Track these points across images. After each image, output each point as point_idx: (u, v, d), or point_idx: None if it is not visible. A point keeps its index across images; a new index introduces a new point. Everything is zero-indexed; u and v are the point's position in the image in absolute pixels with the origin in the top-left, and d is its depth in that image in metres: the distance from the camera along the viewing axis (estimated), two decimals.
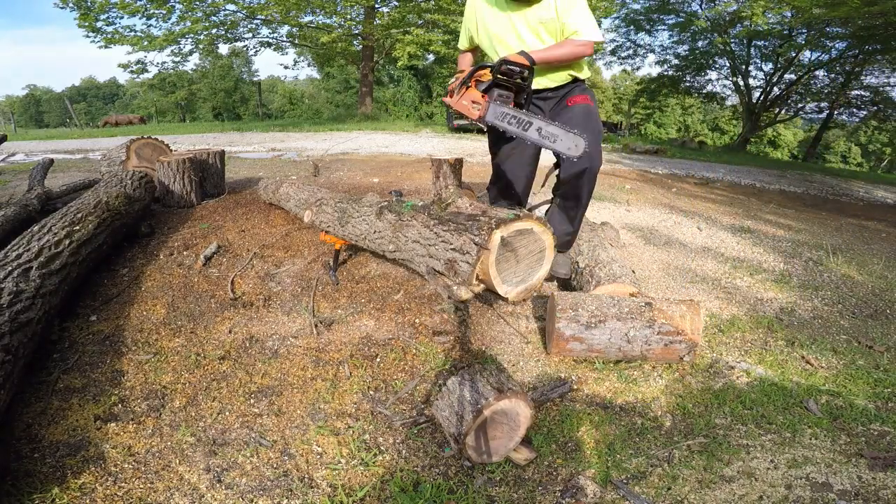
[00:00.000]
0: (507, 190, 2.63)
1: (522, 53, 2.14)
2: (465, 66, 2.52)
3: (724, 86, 20.30)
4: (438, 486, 1.45)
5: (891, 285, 3.14)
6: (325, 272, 2.75)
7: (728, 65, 18.23)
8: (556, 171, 2.36)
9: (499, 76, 2.11)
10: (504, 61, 2.10)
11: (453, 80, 2.35)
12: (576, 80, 2.39)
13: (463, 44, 2.57)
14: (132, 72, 16.47)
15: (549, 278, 2.70)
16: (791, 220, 5.10)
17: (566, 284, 2.68)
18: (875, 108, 17.03)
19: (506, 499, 1.43)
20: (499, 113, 2.14)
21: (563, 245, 2.56)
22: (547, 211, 2.57)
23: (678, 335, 1.97)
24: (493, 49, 2.39)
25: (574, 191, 2.35)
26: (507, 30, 2.31)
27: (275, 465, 1.51)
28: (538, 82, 2.34)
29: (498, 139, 2.55)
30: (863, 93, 16.82)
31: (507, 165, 2.57)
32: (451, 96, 2.30)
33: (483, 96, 2.14)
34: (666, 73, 20.31)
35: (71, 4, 13.81)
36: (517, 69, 2.09)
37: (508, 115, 2.12)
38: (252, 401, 1.78)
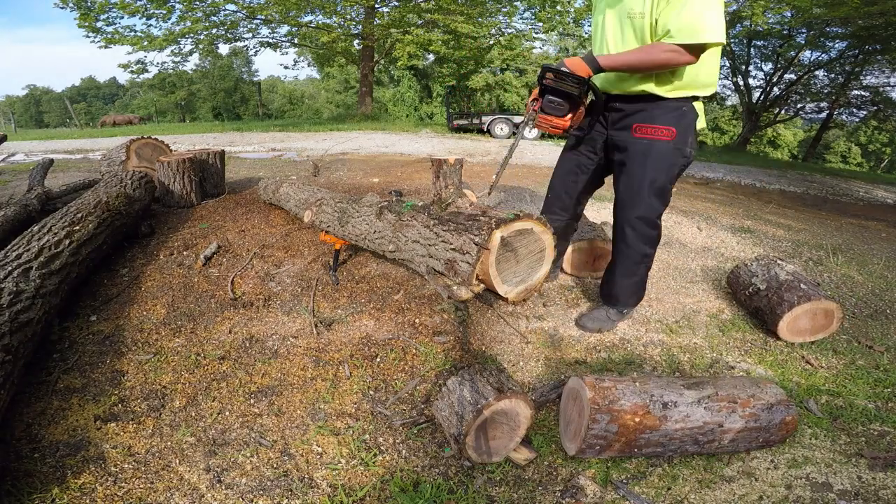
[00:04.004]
0: (551, 201, 2.37)
1: (587, 58, 1.84)
2: None
3: (724, 86, 20.28)
4: (438, 486, 1.45)
5: (891, 285, 3.14)
6: (325, 272, 2.75)
7: (728, 65, 18.22)
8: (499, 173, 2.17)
9: (544, 83, 1.91)
10: (544, 67, 1.89)
11: None
12: (653, 97, 1.88)
13: None
14: (132, 72, 16.47)
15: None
16: (791, 220, 5.10)
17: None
18: (875, 108, 17.03)
19: (506, 499, 1.43)
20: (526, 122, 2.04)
21: (604, 297, 2.30)
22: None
23: None
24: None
25: (615, 236, 2.15)
26: (597, 24, 1.99)
27: (275, 465, 1.51)
28: (614, 85, 1.99)
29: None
30: (863, 93, 16.83)
31: (554, 173, 2.34)
32: None
33: (538, 101, 1.97)
34: None
35: (71, 4, 13.81)
36: (567, 76, 1.86)
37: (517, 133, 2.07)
38: (252, 401, 1.78)
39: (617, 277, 2.20)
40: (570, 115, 1.97)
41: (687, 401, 1.51)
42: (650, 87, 1.87)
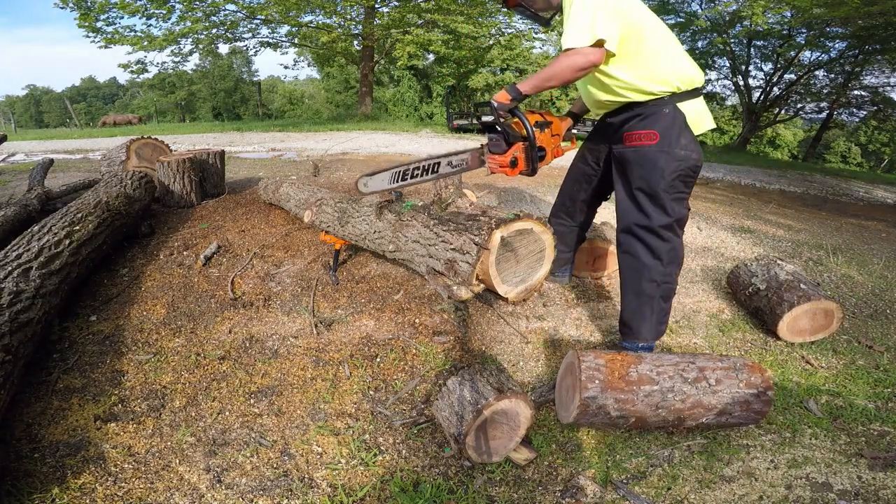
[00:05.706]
0: (558, 206, 2.47)
1: (509, 86, 1.84)
2: None
3: (724, 86, 20.25)
4: (438, 486, 1.45)
5: (891, 285, 3.14)
6: (325, 272, 2.75)
7: (728, 65, 18.21)
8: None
9: (482, 120, 1.92)
10: (474, 104, 1.95)
11: None
12: (631, 105, 1.88)
13: None
14: (132, 72, 16.43)
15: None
16: (791, 220, 5.10)
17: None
18: (875, 108, 17.01)
19: (506, 499, 1.43)
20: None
21: (620, 330, 2.07)
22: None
23: None
24: None
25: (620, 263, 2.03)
26: None
27: (275, 465, 1.51)
28: (594, 105, 2.02)
29: None
30: (863, 93, 16.80)
31: (564, 179, 2.42)
32: None
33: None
34: None
35: (71, 4, 13.78)
36: (490, 107, 1.84)
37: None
38: (252, 401, 1.78)
39: (624, 297, 2.01)
40: (510, 151, 1.92)
41: (654, 353, 1.77)
42: (621, 97, 1.87)
